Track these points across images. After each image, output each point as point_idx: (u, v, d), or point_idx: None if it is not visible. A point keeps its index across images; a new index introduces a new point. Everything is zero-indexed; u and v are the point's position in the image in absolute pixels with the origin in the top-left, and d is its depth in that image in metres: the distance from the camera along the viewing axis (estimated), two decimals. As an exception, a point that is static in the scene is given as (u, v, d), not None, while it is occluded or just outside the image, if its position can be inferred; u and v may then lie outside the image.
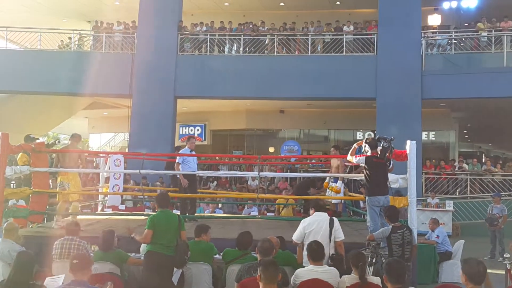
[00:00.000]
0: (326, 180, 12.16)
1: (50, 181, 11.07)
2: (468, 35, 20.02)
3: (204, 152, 25.03)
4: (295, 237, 7.05)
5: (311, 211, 7.34)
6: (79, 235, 7.46)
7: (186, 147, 11.38)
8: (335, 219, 7.17)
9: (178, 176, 11.36)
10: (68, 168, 9.88)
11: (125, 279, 7.01)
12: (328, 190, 11.70)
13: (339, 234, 7.03)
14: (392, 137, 8.47)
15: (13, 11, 24.74)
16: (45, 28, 21.91)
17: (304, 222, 7.10)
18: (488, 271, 4.52)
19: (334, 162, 11.86)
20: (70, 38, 22.89)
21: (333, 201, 11.72)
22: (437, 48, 20.36)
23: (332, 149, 12.62)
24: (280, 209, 14.33)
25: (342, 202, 11.95)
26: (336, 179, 11.46)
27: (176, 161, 11.30)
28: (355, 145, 9.07)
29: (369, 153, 8.45)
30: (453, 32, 20.71)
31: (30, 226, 9.79)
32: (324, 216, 7.13)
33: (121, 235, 8.42)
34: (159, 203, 7.21)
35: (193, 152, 11.37)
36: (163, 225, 6.88)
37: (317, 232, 6.91)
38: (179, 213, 9.43)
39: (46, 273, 6.43)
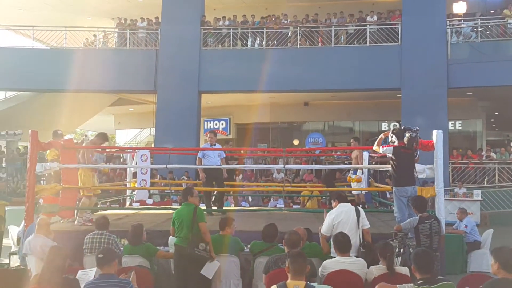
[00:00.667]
0: (348, 174, 12.17)
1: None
2: (494, 22, 19.71)
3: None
4: (324, 229, 7.09)
5: (334, 203, 7.41)
6: (108, 229, 7.58)
7: (207, 142, 11.42)
8: (359, 208, 7.29)
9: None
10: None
11: (155, 272, 7.11)
12: (351, 183, 11.72)
13: (365, 222, 7.16)
14: (417, 128, 8.41)
15: (37, 10, 25.09)
16: (70, 26, 22.18)
17: (331, 214, 7.15)
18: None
19: (354, 153, 11.89)
20: (95, 35, 23.15)
21: (353, 192, 11.74)
22: (462, 36, 20.07)
23: (351, 140, 12.61)
24: (305, 201, 14.35)
25: (363, 192, 11.93)
26: (355, 171, 11.49)
27: (197, 156, 11.36)
28: (381, 135, 9.03)
29: (396, 143, 8.40)
30: (479, 20, 20.40)
31: (61, 221, 9.95)
32: (349, 206, 7.22)
33: (150, 229, 8.56)
34: (182, 197, 7.32)
35: (216, 146, 11.41)
36: (180, 218, 7.01)
37: (346, 222, 6.99)
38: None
39: (78, 267, 6.56)
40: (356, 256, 6.54)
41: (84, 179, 9.92)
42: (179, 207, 8.26)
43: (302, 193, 14.81)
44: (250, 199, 15.65)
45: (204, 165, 10.98)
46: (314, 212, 11.52)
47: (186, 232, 6.92)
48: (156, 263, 7.40)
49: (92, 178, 10.06)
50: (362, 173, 11.44)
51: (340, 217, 7.03)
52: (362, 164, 11.37)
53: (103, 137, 10.50)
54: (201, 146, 11.55)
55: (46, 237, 7.42)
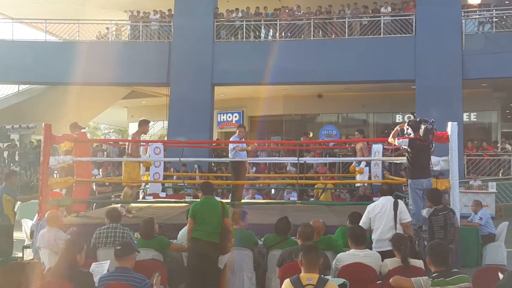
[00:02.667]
0: (353, 164, 12.14)
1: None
2: (510, 12, 19.45)
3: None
4: (361, 223, 7.09)
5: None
6: (121, 221, 7.54)
7: (235, 135, 11.45)
8: (399, 201, 7.24)
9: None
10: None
11: (169, 265, 7.08)
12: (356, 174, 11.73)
13: (404, 215, 7.08)
14: (433, 120, 8.34)
15: (51, 3, 25.13)
16: (83, 19, 22.22)
17: (369, 207, 7.23)
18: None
19: (358, 145, 11.88)
20: (107, 28, 23.18)
21: (357, 184, 11.73)
22: (477, 27, 19.90)
23: (356, 133, 12.59)
24: (319, 194, 14.29)
25: (366, 185, 11.93)
26: (359, 162, 11.50)
27: (230, 147, 11.39)
28: (397, 127, 8.97)
29: (411, 135, 8.33)
30: (494, 10, 20.17)
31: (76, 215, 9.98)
32: (388, 199, 7.19)
33: (163, 222, 8.55)
34: (204, 190, 7.17)
35: (243, 140, 11.47)
36: (205, 212, 6.86)
37: (382, 216, 7.01)
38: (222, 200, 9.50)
39: (91, 260, 6.54)
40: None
41: (130, 170, 10.00)
42: (193, 200, 8.23)
43: (316, 186, 14.76)
44: (272, 191, 15.62)
45: (235, 158, 11.02)
46: (328, 205, 11.47)
47: (213, 226, 6.80)
48: (169, 256, 7.36)
49: (137, 169, 10.17)
50: (366, 165, 11.42)
51: (376, 210, 7.07)
52: (366, 156, 11.37)
53: (144, 123, 10.50)
54: (231, 139, 11.60)
55: (59, 230, 7.41)
